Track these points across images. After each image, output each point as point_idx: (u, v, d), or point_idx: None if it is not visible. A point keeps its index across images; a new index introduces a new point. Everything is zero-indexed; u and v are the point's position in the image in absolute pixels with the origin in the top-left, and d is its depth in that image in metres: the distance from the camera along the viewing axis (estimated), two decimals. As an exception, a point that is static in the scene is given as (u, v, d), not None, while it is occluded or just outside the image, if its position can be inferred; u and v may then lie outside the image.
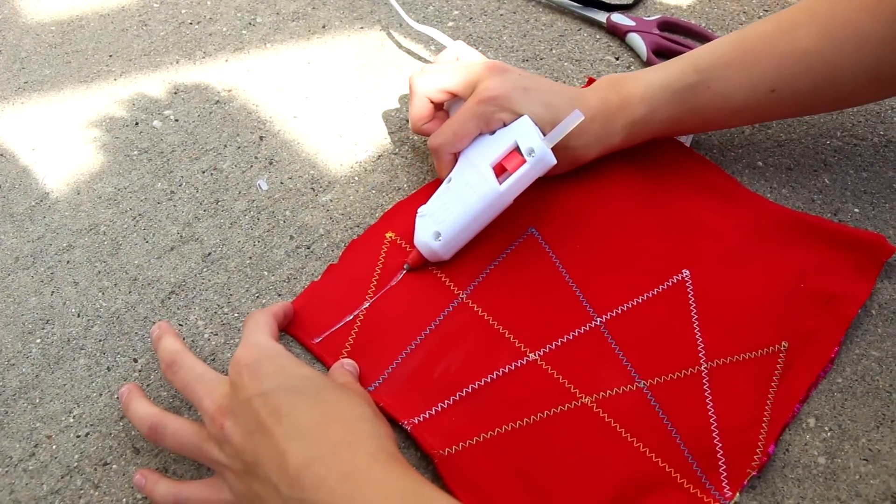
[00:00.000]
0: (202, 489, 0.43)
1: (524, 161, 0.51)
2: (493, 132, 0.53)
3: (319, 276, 0.54)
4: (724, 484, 0.45)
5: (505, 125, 0.53)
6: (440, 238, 0.52)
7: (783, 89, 0.53)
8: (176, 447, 0.44)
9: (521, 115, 0.52)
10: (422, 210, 0.54)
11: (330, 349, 0.50)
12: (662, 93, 0.54)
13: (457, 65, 0.56)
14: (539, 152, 0.51)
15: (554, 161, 0.51)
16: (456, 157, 0.54)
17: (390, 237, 0.56)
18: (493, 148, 0.52)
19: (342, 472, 0.37)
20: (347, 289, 0.53)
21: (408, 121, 0.64)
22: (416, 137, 0.63)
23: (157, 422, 0.44)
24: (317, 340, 0.51)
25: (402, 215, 0.57)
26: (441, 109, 0.58)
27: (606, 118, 0.54)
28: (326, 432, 0.39)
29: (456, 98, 0.56)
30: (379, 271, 0.54)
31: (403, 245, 0.55)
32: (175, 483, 0.44)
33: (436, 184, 0.58)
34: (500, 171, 0.52)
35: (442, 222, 0.52)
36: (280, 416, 0.39)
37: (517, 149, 0.51)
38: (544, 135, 0.52)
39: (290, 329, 0.51)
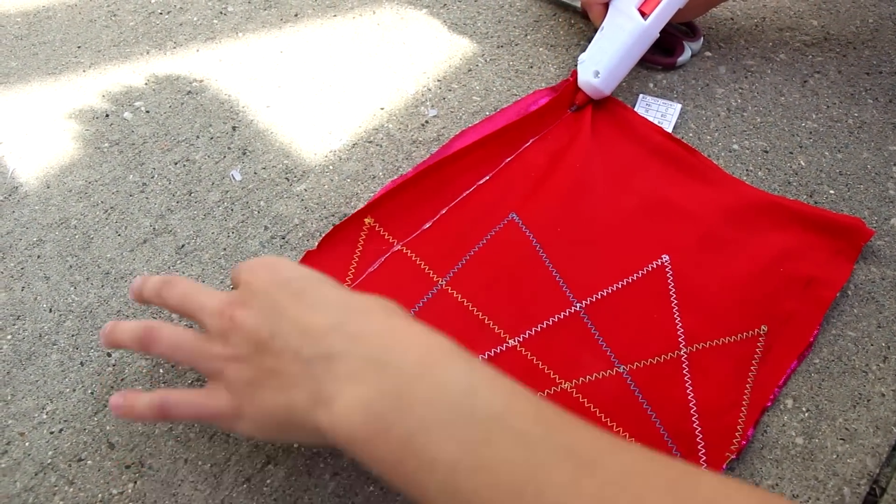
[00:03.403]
0: (193, 393, 0.40)
1: None
2: None
3: (295, 267, 0.53)
4: (703, 468, 0.45)
5: None
6: (599, 75, 0.60)
7: None
8: (170, 351, 0.41)
9: None
10: (581, 57, 0.63)
11: (307, 340, 0.50)
12: None
13: None
14: None
15: None
16: (606, 9, 0.63)
17: (369, 223, 0.55)
18: None
19: (375, 330, 0.36)
20: (324, 278, 0.53)
21: (382, 108, 0.63)
22: (390, 125, 0.62)
23: (150, 325, 0.41)
24: (294, 331, 0.50)
25: (385, 201, 0.56)
26: None
27: None
28: (356, 304, 0.37)
29: None
30: (357, 258, 0.53)
31: (382, 232, 0.54)
32: (160, 390, 0.41)
33: (410, 177, 0.58)
34: (643, 14, 0.60)
35: (599, 62, 0.61)
36: (302, 296, 0.37)
37: None
38: None
39: (266, 320, 0.51)
